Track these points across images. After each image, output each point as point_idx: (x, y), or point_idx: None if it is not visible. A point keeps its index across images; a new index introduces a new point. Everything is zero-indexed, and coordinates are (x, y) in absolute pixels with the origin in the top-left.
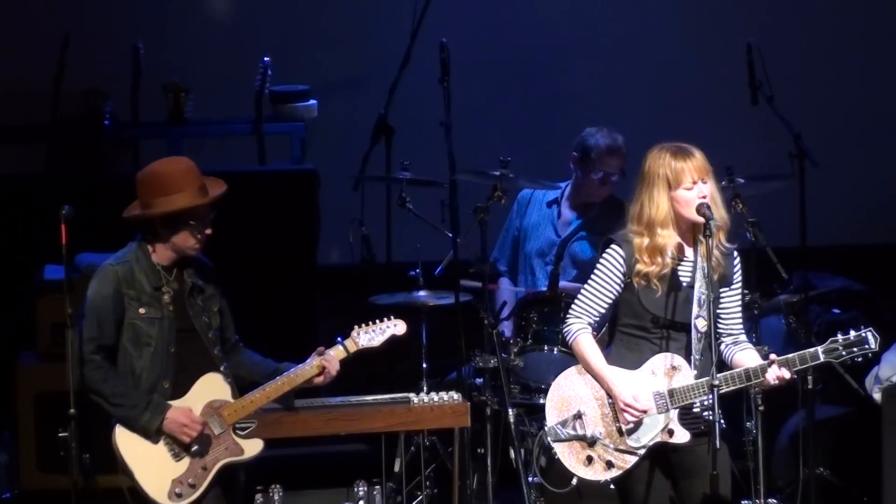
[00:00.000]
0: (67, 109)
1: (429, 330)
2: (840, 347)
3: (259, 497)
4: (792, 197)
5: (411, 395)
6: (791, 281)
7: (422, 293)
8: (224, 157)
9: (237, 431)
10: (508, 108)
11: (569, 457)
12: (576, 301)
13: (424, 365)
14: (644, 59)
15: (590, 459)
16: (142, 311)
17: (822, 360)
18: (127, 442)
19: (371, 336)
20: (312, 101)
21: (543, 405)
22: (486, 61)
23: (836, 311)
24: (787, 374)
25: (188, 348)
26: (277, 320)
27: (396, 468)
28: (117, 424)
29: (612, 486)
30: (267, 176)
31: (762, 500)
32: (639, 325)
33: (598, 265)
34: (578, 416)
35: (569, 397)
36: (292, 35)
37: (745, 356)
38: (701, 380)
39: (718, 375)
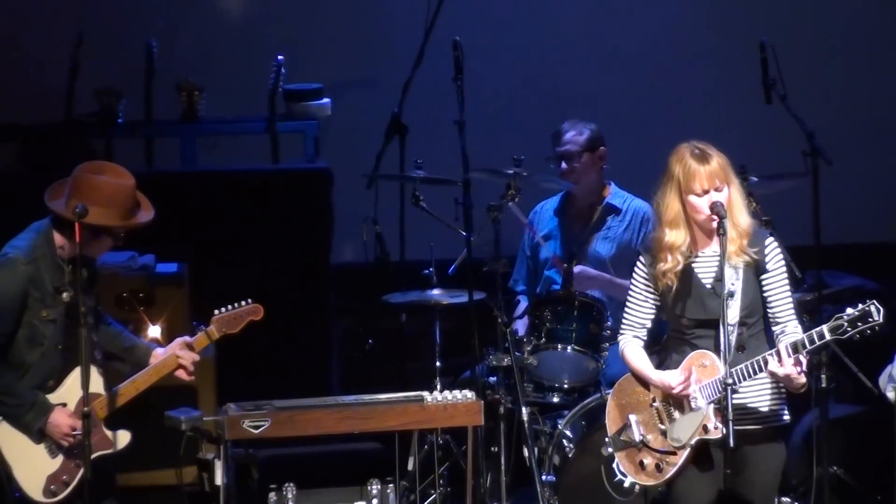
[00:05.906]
0: (81, 108)
1: (442, 328)
2: (845, 324)
3: (272, 495)
4: (805, 195)
5: (425, 393)
6: (804, 280)
7: (435, 292)
8: (237, 155)
9: (106, 424)
10: (522, 107)
11: (626, 465)
12: (623, 314)
13: (438, 363)
14: (658, 58)
15: (642, 464)
16: (44, 313)
17: (828, 338)
18: (7, 436)
19: (231, 323)
20: (326, 100)
21: (557, 404)
22: (499, 59)
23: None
24: (799, 361)
25: (74, 343)
26: (291, 319)
27: (410, 467)
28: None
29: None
30: (280, 174)
31: (776, 499)
32: (675, 328)
33: (632, 276)
34: (628, 424)
35: (623, 406)
36: (306, 33)
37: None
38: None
39: (732, 370)
